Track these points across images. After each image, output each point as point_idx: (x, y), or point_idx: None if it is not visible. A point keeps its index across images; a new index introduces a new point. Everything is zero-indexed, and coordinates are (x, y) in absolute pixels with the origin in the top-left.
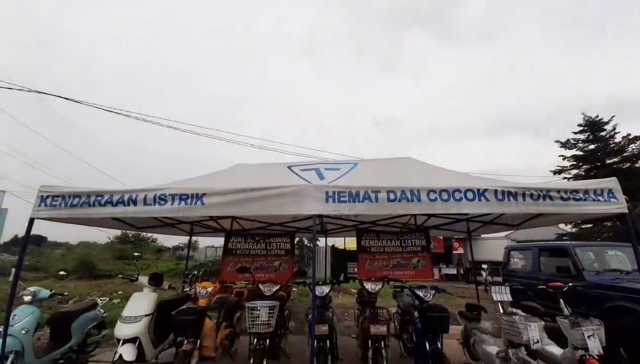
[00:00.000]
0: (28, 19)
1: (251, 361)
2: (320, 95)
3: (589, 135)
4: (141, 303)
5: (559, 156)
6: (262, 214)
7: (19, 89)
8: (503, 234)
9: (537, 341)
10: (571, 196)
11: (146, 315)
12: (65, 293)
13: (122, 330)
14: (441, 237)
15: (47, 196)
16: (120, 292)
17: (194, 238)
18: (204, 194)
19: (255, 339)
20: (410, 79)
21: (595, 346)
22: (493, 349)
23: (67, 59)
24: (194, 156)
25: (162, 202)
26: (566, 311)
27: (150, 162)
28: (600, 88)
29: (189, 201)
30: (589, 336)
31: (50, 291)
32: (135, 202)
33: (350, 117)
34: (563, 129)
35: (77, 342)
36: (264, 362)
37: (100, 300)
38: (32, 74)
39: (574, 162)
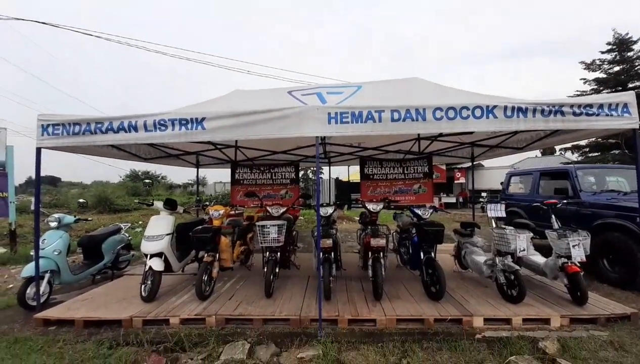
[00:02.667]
0: None
1: (265, 270)
2: (321, 17)
3: (615, 55)
4: (161, 224)
5: (580, 79)
6: (263, 137)
7: None
8: (506, 164)
9: (523, 250)
10: (584, 111)
11: (167, 234)
12: (90, 219)
13: (148, 247)
14: (444, 168)
15: (48, 125)
16: (140, 222)
17: (202, 174)
18: (203, 119)
19: (268, 252)
20: None
21: (578, 254)
22: (481, 258)
23: None
24: (189, 87)
25: (163, 128)
26: (556, 225)
27: (147, 95)
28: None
29: (189, 126)
30: (573, 246)
31: (75, 217)
32: (135, 129)
33: (357, 39)
34: (590, 51)
35: (109, 260)
36: (276, 270)
37: (124, 225)
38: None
39: (595, 87)
